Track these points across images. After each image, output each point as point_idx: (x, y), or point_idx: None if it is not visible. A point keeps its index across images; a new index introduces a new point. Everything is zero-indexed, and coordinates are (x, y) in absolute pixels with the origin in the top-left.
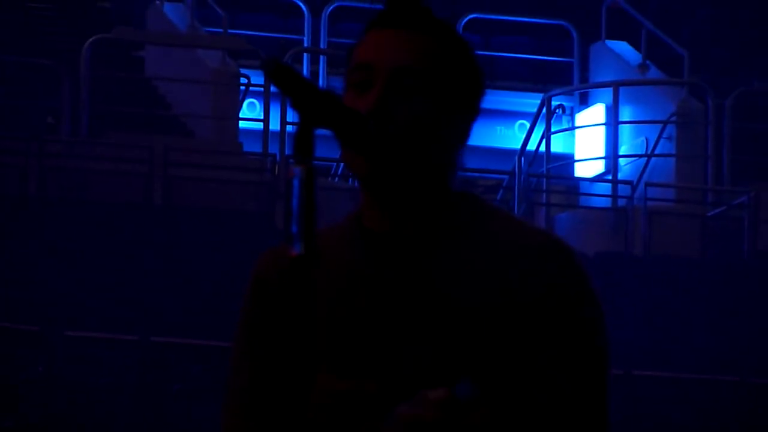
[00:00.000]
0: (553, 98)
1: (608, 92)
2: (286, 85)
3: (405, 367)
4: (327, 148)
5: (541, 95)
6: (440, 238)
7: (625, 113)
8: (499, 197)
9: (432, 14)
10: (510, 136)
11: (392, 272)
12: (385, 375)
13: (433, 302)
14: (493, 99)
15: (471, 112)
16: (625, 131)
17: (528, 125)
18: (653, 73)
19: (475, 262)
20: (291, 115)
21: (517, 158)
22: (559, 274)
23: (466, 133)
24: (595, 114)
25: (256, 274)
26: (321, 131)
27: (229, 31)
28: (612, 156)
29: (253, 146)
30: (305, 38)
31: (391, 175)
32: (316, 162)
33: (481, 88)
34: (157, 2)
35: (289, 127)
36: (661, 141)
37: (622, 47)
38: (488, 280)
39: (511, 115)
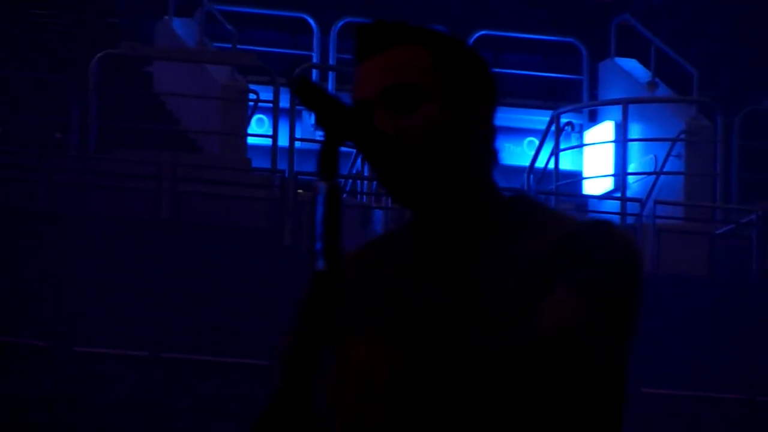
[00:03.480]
0: (562, 115)
1: (617, 110)
2: (312, 102)
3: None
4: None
5: (550, 112)
6: (486, 236)
7: (634, 131)
8: None
9: (407, 25)
10: (519, 153)
11: (438, 268)
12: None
13: (474, 291)
14: (502, 116)
15: (484, 109)
16: (634, 149)
17: (537, 142)
18: (662, 90)
19: (519, 255)
20: (300, 132)
21: (525, 175)
22: (591, 240)
23: (485, 131)
24: (604, 131)
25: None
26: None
27: (238, 46)
28: (621, 173)
29: (261, 162)
30: (314, 54)
31: (417, 187)
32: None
33: (489, 83)
34: (166, 17)
35: (297, 143)
36: (670, 159)
37: (631, 65)
38: (530, 268)
39: (520, 132)
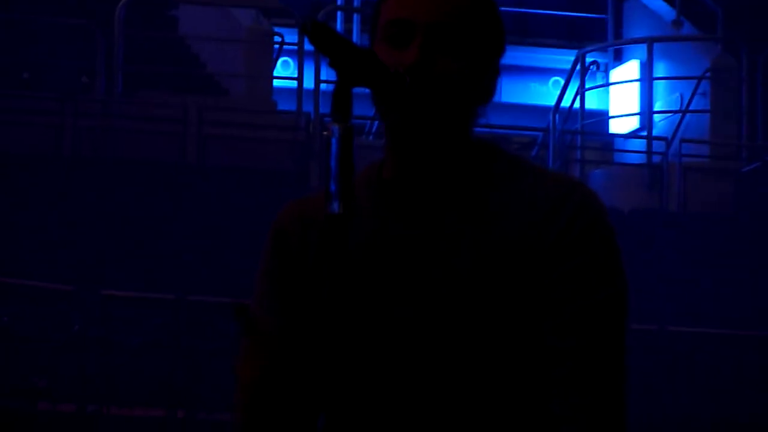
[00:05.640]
0: (587, 54)
1: (642, 48)
2: (324, 44)
3: (407, 318)
4: (361, 106)
5: (575, 51)
6: (458, 187)
7: (660, 69)
8: (534, 154)
9: None
10: (544, 93)
11: (407, 221)
12: (387, 324)
13: (445, 251)
14: (527, 56)
15: (497, 67)
16: (660, 87)
17: (562, 82)
18: (687, 29)
19: (493, 209)
20: (325, 74)
21: (551, 115)
22: (575, 217)
23: (493, 88)
24: (629, 70)
25: (277, 226)
26: (357, 89)
27: None
28: (646, 112)
29: (287, 105)
30: None
31: (423, 129)
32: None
33: (504, 44)
34: None
35: (323, 86)
36: (696, 97)
37: (656, 3)
38: (504, 226)
39: (546, 72)
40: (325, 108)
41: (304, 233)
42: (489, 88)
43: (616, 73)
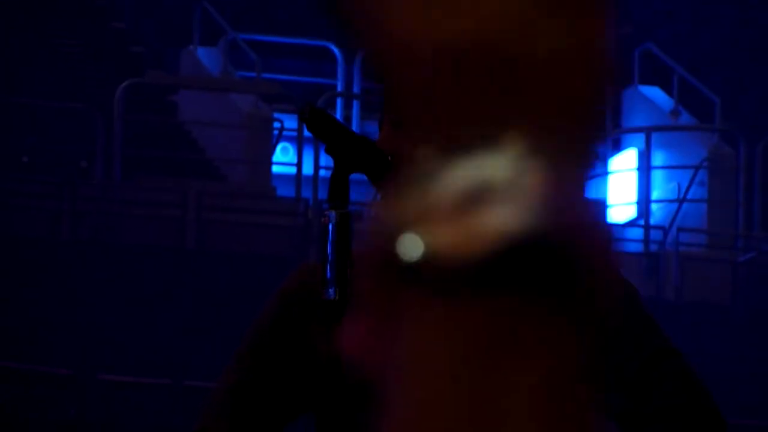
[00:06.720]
0: None
1: (641, 137)
2: (321, 131)
3: None
4: (360, 192)
5: None
6: None
7: (658, 158)
8: None
9: None
10: None
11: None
12: None
13: None
14: None
15: None
16: (658, 176)
17: None
18: (685, 118)
19: None
20: (324, 160)
21: None
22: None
23: None
24: (627, 159)
25: (284, 290)
26: (355, 176)
27: (262, 75)
28: (644, 201)
29: (286, 190)
30: (338, 83)
31: None
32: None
33: None
34: (191, 47)
35: (322, 172)
36: (693, 186)
37: (654, 93)
38: None
39: None
40: (323, 194)
41: (308, 301)
42: None
43: (615, 162)
